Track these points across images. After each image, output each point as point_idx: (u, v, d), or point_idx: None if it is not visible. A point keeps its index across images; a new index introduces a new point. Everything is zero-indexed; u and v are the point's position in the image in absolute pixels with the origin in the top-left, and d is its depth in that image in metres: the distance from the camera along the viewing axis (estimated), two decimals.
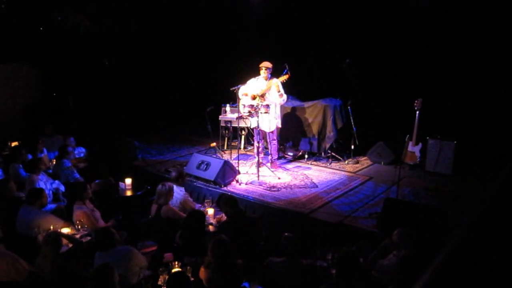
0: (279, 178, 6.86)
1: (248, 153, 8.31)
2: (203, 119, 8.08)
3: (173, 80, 10.91)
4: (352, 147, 7.64)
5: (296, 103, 7.91)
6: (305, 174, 7.16)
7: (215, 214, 5.40)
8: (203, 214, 4.82)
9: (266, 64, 6.93)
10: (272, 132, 7.17)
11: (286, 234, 4.17)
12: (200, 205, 5.78)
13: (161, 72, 10.78)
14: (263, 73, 6.93)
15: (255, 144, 7.23)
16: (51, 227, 4.68)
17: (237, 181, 6.70)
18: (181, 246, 4.57)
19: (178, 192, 5.55)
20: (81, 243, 4.58)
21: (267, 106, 6.74)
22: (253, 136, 7.67)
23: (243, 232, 4.63)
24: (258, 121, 6.80)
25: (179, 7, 10.19)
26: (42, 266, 3.89)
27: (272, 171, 7.05)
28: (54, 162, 6.92)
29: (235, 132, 8.42)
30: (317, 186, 6.63)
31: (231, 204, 4.89)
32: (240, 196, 6.12)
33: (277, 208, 5.90)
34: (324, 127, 7.65)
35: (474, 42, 6.97)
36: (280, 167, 7.43)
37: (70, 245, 4.57)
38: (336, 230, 5.34)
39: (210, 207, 5.50)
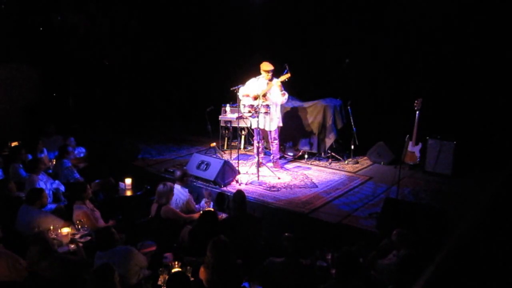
0: (279, 178, 6.86)
1: (248, 153, 8.31)
2: (203, 119, 8.08)
3: (173, 80, 10.91)
4: (352, 147, 7.64)
5: (296, 103, 7.90)
6: (305, 174, 7.16)
7: None
8: (216, 214, 4.83)
9: (267, 67, 6.85)
10: (273, 131, 7.17)
11: (286, 234, 4.17)
12: (198, 205, 5.77)
13: (161, 72, 10.78)
14: (265, 74, 6.91)
15: (255, 144, 7.23)
16: (51, 227, 4.69)
17: (237, 181, 6.70)
18: (188, 245, 4.56)
19: (183, 193, 5.58)
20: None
21: (267, 106, 6.74)
22: (253, 136, 7.68)
23: (243, 231, 4.63)
24: (258, 121, 6.80)
25: (179, 7, 10.18)
26: (33, 264, 3.89)
27: (274, 171, 7.05)
28: (54, 162, 6.92)
29: (235, 132, 8.43)
30: (317, 186, 6.63)
31: (239, 201, 4.90)
32: None
33: (277, 208, 5.90)
34: (324, 127, 7.65)
35: (474, 42, 6.96)
36: (281, 167, 7.44)
37: (72, 246, 4.58)
38: (336, 230, 5.34)
39: (210, 207, 5.51)
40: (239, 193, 5.09)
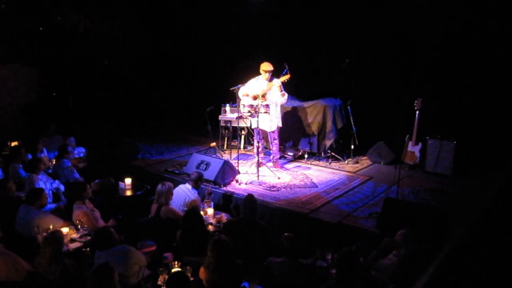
0: (278, 178, 6.86)
1: (248, 153, 8.30)
2: (203, 119, 8.08)
3: (173, 80, 10.91)
4: (352, 147, 7.64)
5: (296, 103, 7.90)
6: (305, 174, 7.16)
7: (214, 214, 5.41)
8: (197, 212, 4.81)
9: (266, 67, 6.86)
10: (273, 131, 7.17)
11: (286, 234, 4.17)
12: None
13: (161, 72, 10.78)
14: (264, 74, 6.91)
15: (255, 144, 7.23)
16: (51, 227, 4.68)
17: (236, 181, 6.70)
18: (181, 246, 4.56)
19: (192, 193, 5.63)
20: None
21: (267, 106, 6.74)
22: (253, 136, 7.68)
23: (247, 234, 4.62)
24: (258, 121, 6.80)
25: (179, 7, 10.18)
26: (42, 265, 3.88)
27: (274, 171, 7.04)
28: (54, 162, 6.92)
29: (235, 132, 8.43)
30: (317, 186, 6.63)
31: (250, 206, 4.87)
32: (240, 196, 6.12)
33: (277, 208, 5.89)
34: (324, 127, 7.65)
35: (474, 41, 6.96)
36: (281, 166, 7.44)
37: (71, 245, 4.58)
38: (336, 230, 5.34)
39: (210, 207, 5.51)
40: (250, 198, 4.97)
